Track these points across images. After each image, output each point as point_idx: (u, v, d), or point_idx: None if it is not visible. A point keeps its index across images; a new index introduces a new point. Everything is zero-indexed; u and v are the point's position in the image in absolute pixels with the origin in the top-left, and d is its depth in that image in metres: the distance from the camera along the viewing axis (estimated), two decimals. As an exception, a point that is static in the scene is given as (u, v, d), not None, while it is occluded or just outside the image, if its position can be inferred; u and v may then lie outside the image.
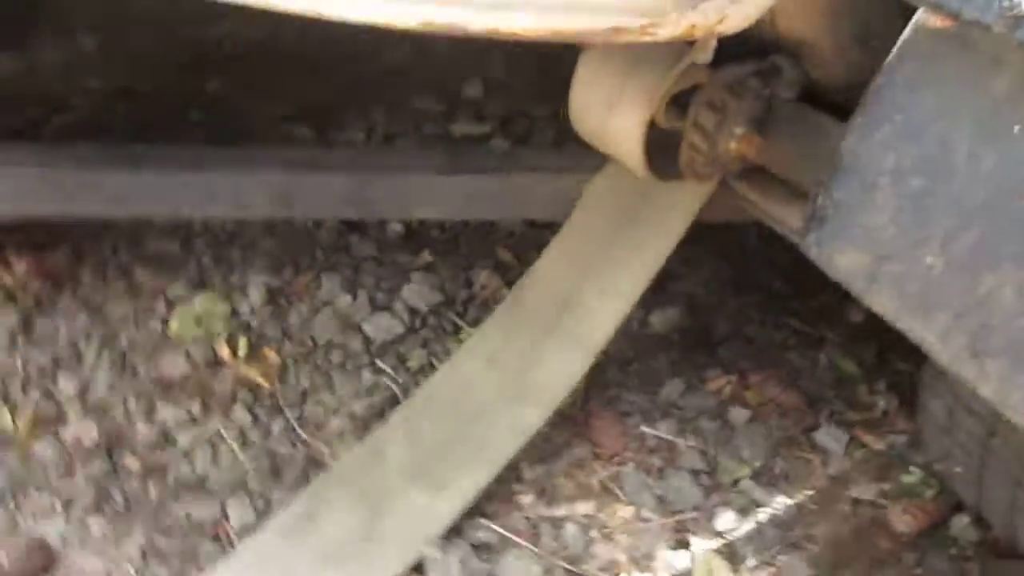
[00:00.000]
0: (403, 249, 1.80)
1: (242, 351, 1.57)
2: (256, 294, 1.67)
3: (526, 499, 1.39)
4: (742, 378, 1.60)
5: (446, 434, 1.37)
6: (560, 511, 1.38)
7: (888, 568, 1.34)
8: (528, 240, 1.82)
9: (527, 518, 1.37)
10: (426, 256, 1.77)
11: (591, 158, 1.51)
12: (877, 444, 1.51)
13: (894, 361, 1.63)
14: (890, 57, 0.94)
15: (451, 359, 1.46)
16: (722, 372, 1.61)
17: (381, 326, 1.63)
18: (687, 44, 1.27)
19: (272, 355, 1.57)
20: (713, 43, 1.23)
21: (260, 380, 1.52)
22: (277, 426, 1.47)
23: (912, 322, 0.92)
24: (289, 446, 1.44)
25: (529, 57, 2.05)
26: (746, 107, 1.29)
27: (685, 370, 1.61)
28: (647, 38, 0.94)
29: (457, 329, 1.65)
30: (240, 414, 1.47)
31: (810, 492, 1.44)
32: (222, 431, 1.44)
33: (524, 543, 1.33)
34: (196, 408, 1.48)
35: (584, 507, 1.39)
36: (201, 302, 1.64)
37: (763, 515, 1.40)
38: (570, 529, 1.36)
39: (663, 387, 1.58)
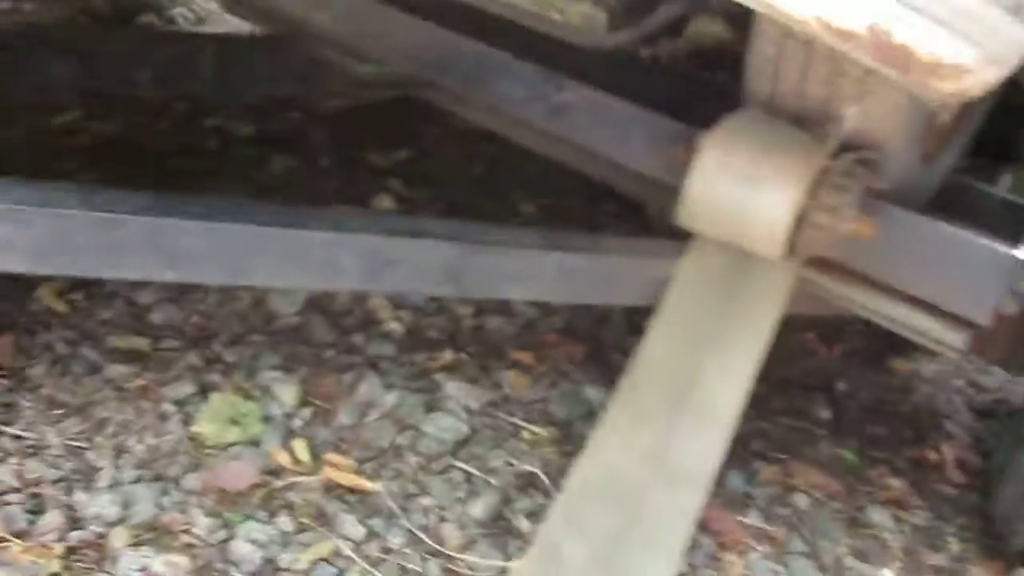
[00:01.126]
0: (416, 348, 1.61)
1: (304, 456, 1.27)
2: (288, 395, 1.37)
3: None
4: (784, 468, 1.64)
5: (614, 523, 1.22)
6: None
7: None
8: (527, 341, 1.74)
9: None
10: (448, 355, 1.60)
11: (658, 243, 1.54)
12: (912, 519, 1.62)
13: (895, 447, 1.78)
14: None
15: (587, 448, 1.31)
16: (765, 463, 1.63)
17: (444, 426, 1.42)
18: (820, 126, 1.38)
19: (341, 460, 1.29)
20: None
21: (353, 484, 1.23)
22: (396, 538, 1.19)
23: None
24: (419, 560, 1.17)
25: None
26: (858, 191, 1.40)
27: (735, 462, 1.61)
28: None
29: (517, 429, 1.49)
30: (350, 527, 1.16)
31: (897, 564, 1.48)
32: (341, 547, 1.13)
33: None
34: (287, 522, 1.15)
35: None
36: (220, 403, 1.31)
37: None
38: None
39: (727, 477, 1.56)
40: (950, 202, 1.55)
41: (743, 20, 1.58)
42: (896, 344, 2.13)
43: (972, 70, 0.97)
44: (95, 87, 2.08)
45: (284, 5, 1.96)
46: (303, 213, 1.25)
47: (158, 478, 1.16)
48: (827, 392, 1.98)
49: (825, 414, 1.89)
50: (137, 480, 1.15)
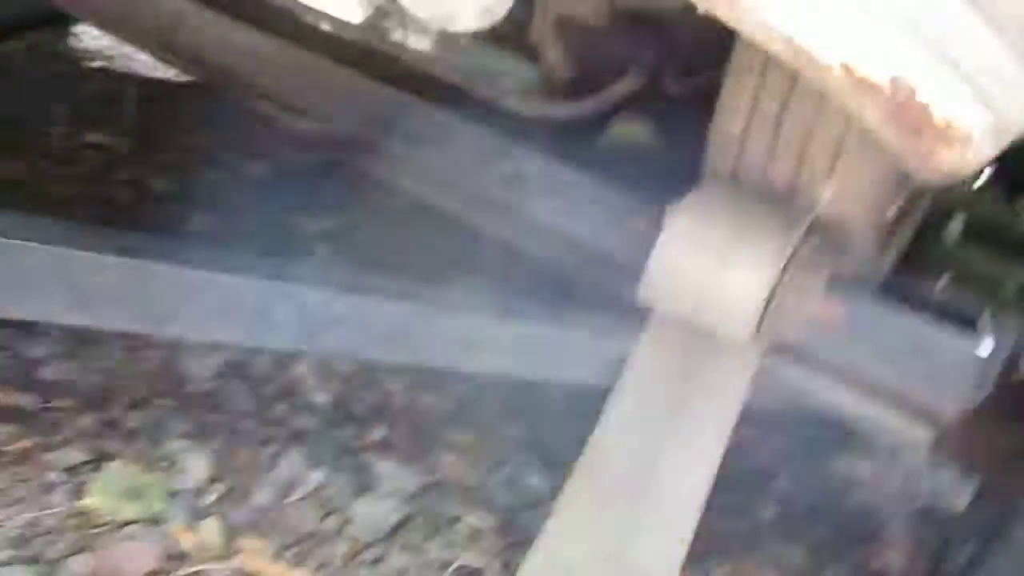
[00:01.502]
0: (343, 423, 1.45)
1: (214, 539, 1.09)
2: (198, 468, 1.19)
3: None
4: (734, 568, 1.53)
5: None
6: None
7: None
8: (464, 421, 1.60)
9: None
10: (382, 431, 1.45)
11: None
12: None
13: (841, 549, 1.70)
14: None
15: (538, 541, 1.17)
16: (716, 564, 1.52)
17: (376, 511, 1.27)
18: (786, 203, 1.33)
19: (258, 544, 1.11)
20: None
21: (272, 573, 1.06)
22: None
23: None
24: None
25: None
26: (826, 273, 1.35)
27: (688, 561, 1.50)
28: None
29: (455, 517, 1.34)
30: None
31: None
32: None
33: None
34: (191, 620, 0.97)
35: None
36: (117, 473, 1.13)
37: None
38: None
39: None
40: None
41: (673, 125, 1.54)
42: (834, 441, 2.08)
43: (976, 140, 0.92)
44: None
45: (217, 54, 1.83)
46: (239, 258, 1.11)
47: (35, 560, 0.97)
48: (768, 490, 1.89)
49: (768, 513, 1.81)
50: (8, 562, 0.96)
